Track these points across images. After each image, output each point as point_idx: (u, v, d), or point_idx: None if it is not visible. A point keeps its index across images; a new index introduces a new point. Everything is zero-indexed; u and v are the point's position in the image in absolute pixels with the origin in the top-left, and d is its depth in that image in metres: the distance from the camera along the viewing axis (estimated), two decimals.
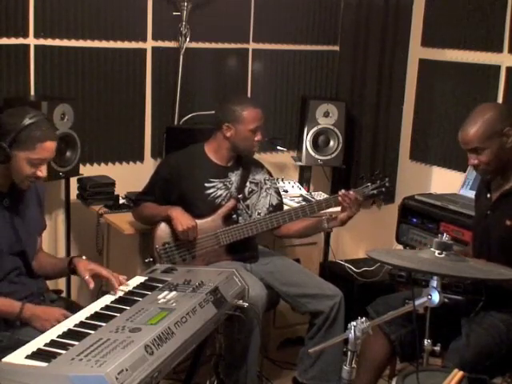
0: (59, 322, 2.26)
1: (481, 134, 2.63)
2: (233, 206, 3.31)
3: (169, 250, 3.25)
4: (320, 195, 4.16)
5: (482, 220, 2.83)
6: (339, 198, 3.19)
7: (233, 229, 3.25)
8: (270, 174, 3.57)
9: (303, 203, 3.78)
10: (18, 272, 2.55)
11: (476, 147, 2.66)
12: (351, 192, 3.18)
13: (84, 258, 2.65)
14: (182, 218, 3.17)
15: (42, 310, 2.42)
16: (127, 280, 2.58)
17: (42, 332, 2.18)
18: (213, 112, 4.01)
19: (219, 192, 3.31)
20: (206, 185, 3.30)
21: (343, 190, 3.20)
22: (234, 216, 3.34)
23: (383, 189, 3.30)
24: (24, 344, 2.02)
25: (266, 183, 3.48)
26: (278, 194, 3.55)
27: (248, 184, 3.41)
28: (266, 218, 3.28)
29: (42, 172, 2.47)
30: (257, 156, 3.61)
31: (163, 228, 3.25)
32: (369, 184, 3.29)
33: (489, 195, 2.79)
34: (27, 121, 2.39)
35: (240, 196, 3.35)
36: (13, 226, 2.52)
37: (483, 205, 2.84)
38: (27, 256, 2.59)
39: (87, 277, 2.54)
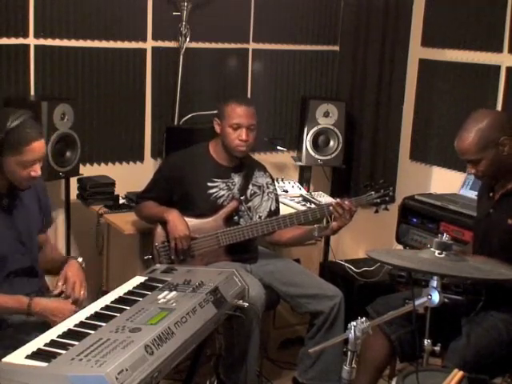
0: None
1: (475, 146, 2.63)
2: (235, 206, 3.30)
3: (168, 249, 3.24)
4: (320, 195, 4.16)
5: (483, 219, 2.83)
6: (330, 208, 3.18)
7: (233, 230, 3.24)
8: (272, 178, 3.56)
9: (303, 208, 3.81)
10: (19, 272, 2.54)
11: (471, 159, 2.67)
12: (346, 202, 3.16)
13: (80, 259, 2.64)
14: (176, 224, 3.16)
15: (53, 306, 2.40)
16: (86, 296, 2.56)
17: (51, 326, 2.19)
18: (213, 112, 4.03)
19: (221, 192, 3.31)
20: (209, 184, 3.30)
21: (338, 199, 3.20)
22: (236, 217, 3.33)
23: (387, 198, 3.29)
24: (24, 344, 2.03)
25: (268, 187, 3.47)
26: (277, 200, 3.54)
27: (250, 186, 3.40)
28: (267, 222, 3.26)
29: (37, 171, 2.44)
30: (257, 156, 3.62)
31: (164, 226, 3.25)
32: (372, 193, 3.27)
33: (491, 194, 2.80)
34: (10, 124, 2.35)
35: (242, 198, 3.35)
36: (13, 226, 2.52)
37: (485, 204, 2.84)
38: (29, 255, 2.59)
39: (60, 282, 2.53)
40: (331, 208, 3.17)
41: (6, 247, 2.49)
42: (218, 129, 3.29)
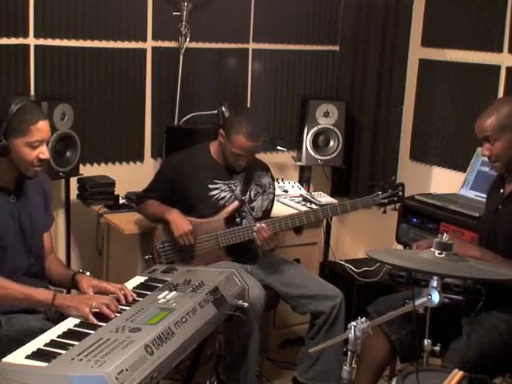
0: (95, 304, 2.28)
1: (494, 124, 2.67)
2: (236, 207, 3.29)
3: (168, 249, 3.24)
4: (320, 195, 4.16)
5: (491, 215, 2.84)
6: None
7: (233, 231, 3.24)
8: (273, 178, 3.55)
9: (303, 207, 3.82)
10: (23, 271, 2.53)
11: (488, 136, 2.70)
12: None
13: (88, 273, 2.61)
14: (178, 223, 3.16)
15: (80, 296, 2.44)
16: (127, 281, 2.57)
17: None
18: (213, 112, 4.04)
19: (223, 194, 3.30)
20: (210, 186, 3.29)
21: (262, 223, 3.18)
22: (238, 219, 3.32)
23: (395, 198, 3.26)
24: (24, 344, 2.03)
25: (269, 187, 3.47)
26: (273, 201, 3.53)
27: (253, 186, 3.39)
28: (267, 222, 3.21)
29: (45, 154, 2.47)
30: (257, 156, 3.61)
31: (163, 226, 3.25)
32: (379, 193, 3.25)
33: (502, 190, 2.81)
34: (14, 107, 2.39)
35: (245, 198, 3.34)
36: (20, 223, 2.52)
37: (494, 200, 2.86)
38: (34, 254, 2.58)
39: (91, 293, 2.49)
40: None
41: (10, 239, 2.47)
42: (221, 140, 3.27)
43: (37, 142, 2.44)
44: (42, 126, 2.44)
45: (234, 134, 3.20)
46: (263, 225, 3.16)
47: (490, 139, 2.70)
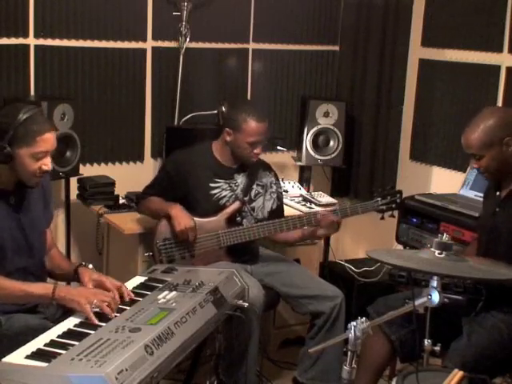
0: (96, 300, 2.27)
1: (479, 142, 2.67)
2: (238, 207, 3.29)
3: (168, 247, 3.24)
4: (320, 195, 4.16)
5: (489, 218, 2.83)
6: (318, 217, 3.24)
7: (235, 231, 3.23)
8: (276, 177, 3.54)
9: (304, 207, 3.82)
10: (23, 271, 2.53)
11: (474, 153, 2.70)
12: (331, 216, 3.22)
13: (90, 266, 2.62)
14: (180, 218, 3.16)
15: (77, 290, 2.42)
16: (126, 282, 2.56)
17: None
18: (213, 112, 4.04)
19: (224, 193, 3.30)
20: (211, 185, 3.29)
21: (326, 210, 3.30)
22: (239, 218, 3.32)
23: (393, 205, 3.31)
24: (24, 344, 2.03)
25: (271, 187, 3.46)
26: (279, 198, 3.52)
27: (255, 186, 3.39)
28: (269, 224, 3.23)
29: (48, 165, 2.45)
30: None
31: (165, 224, 3.24)
32: (378, 199, 3.29)
33: (498, 193, 2.81)
34: (22, 116, 2.37)
35: (246, 198, 3.34)
36: (20, 225, 2.51)
37: (491, 202, 2.85)
38: (34, 254, 2.58)
39: (90, 287, 2.49)
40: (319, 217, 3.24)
41: (8, 241, 2.47)
42: (228, 138, 3.26)
43: (41, 154, 2.41)
44: (48, 137, 2.42)
45: (243, 123, 3.20)
46: (327, 210, 3.28)
47: (477, 156, 2.70)
